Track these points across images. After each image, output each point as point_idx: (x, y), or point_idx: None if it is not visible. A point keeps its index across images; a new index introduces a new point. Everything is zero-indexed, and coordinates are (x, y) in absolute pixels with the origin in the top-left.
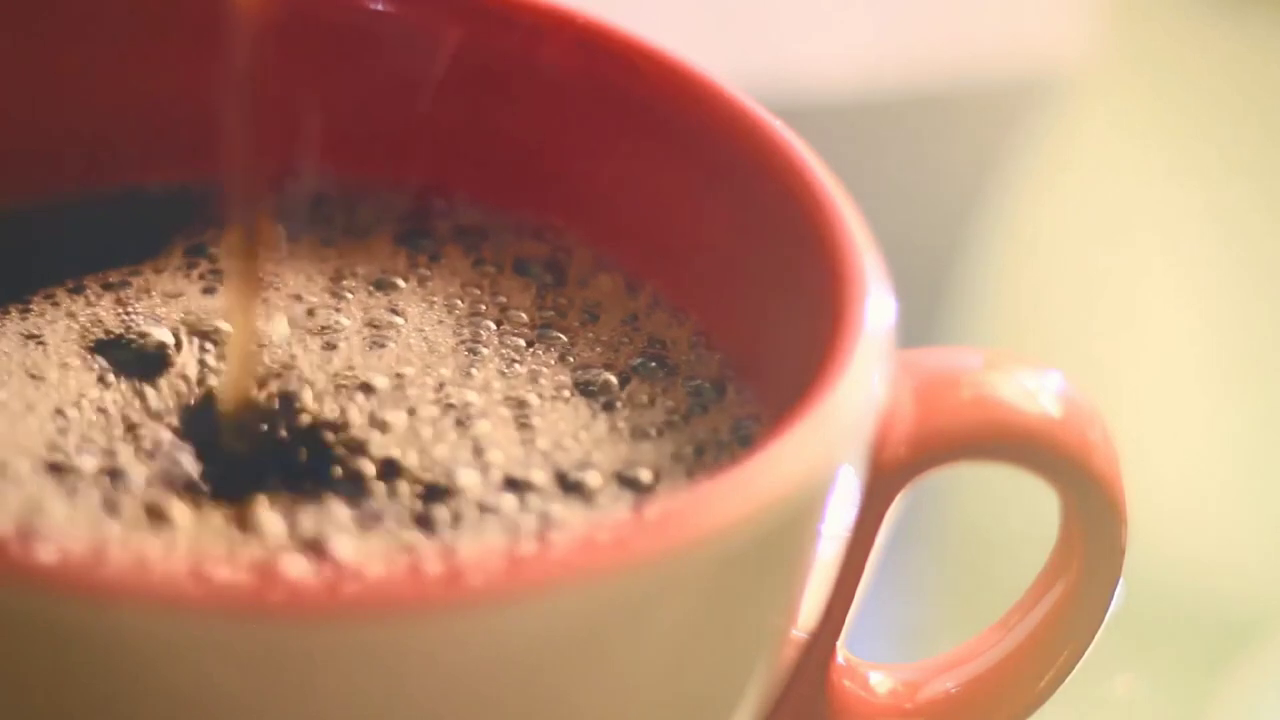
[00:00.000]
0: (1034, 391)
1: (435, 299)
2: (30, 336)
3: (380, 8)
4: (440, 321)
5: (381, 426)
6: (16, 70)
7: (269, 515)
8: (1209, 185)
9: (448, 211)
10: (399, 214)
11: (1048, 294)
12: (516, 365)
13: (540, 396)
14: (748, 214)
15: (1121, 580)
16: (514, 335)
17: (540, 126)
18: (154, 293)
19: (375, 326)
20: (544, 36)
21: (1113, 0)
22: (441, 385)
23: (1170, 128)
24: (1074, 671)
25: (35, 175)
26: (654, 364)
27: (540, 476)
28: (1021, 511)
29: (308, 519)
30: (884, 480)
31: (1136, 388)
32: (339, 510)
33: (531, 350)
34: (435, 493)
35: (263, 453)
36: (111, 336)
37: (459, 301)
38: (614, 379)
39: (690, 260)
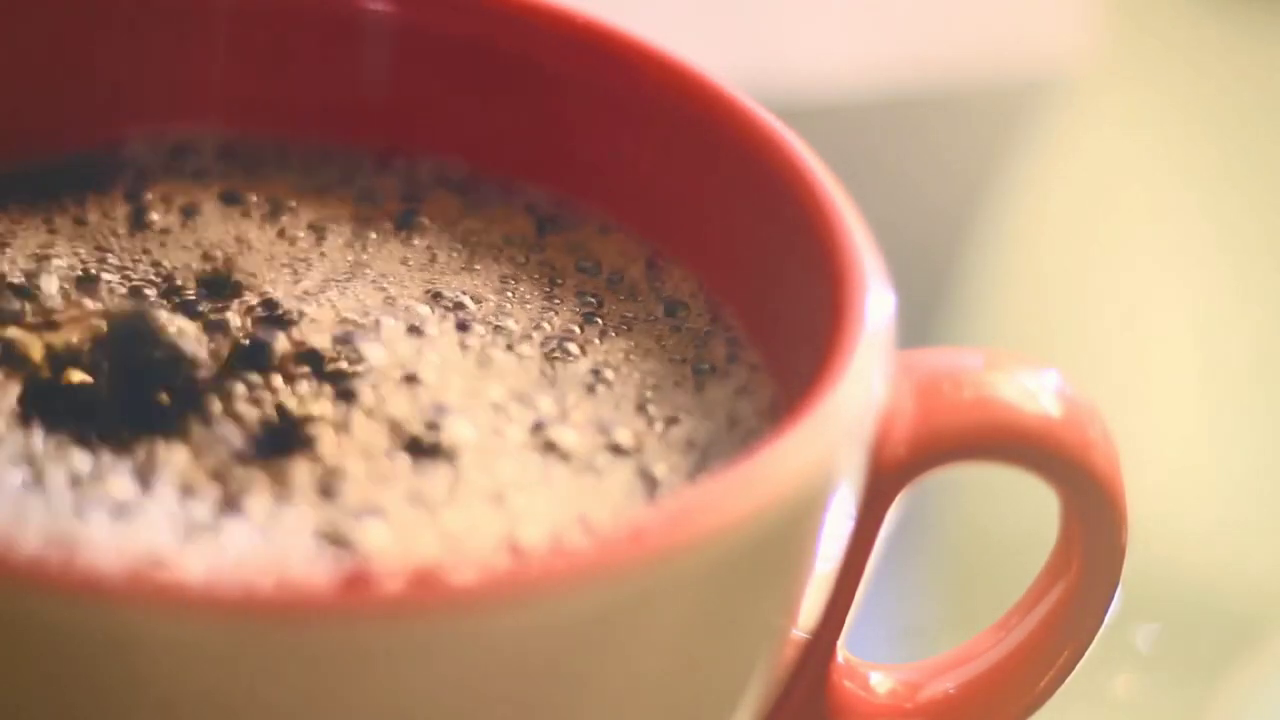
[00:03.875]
0: (1034, 391)
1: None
2: None
3: (384, 7)
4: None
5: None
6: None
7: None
8: (1208, 185)
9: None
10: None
11: (1048, 294)
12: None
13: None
14: (747, 213)
15: (1122, 581)
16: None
17: (539, 126)
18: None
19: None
20: (544, 36)
21: (1113, 0)
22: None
23: (1170, 128)
24: (1074, 672)
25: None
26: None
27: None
28: (1021, 511)
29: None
30: (884, 480)
31: (1136, 388)
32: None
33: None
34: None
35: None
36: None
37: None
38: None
39: (688, 254)
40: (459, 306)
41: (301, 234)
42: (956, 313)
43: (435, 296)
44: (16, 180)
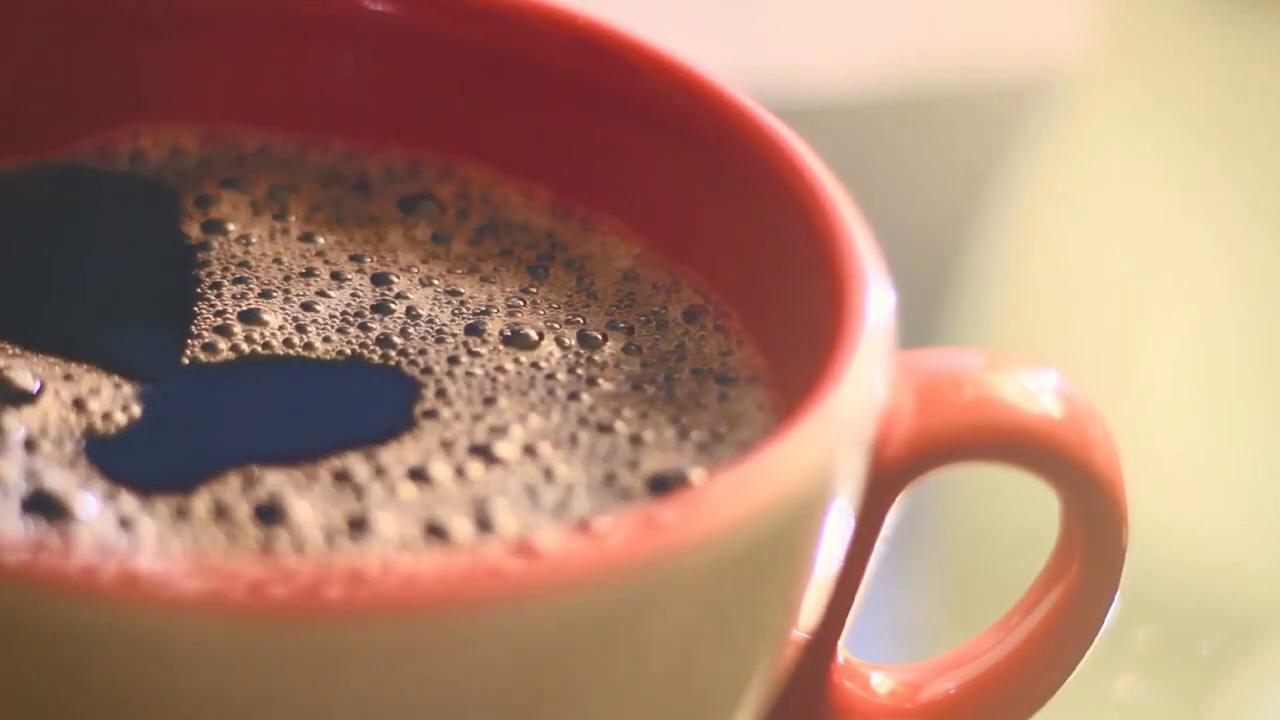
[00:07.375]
0: (1034, 392)
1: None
2: None
3: (384, 8)
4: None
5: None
6: None
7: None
8: (1208, 185)
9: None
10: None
11: (1048, 294)
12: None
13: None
14: (747, 213)
15: (1122, 581)
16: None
17: (539, 126)
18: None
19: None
20: (544, 36)
21: (1112, 0)
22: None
23: (1169, 128)
24: (1074, 672)
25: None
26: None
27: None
28: (1021, 511)
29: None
30: (885, 481)
31: (1136, 388)
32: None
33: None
34: None
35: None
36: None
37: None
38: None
39: (690, 256)
40: (465, 309)
41: (303, 235)
42: (956, 313)
43: (440, 299)
44: (17, 180)
